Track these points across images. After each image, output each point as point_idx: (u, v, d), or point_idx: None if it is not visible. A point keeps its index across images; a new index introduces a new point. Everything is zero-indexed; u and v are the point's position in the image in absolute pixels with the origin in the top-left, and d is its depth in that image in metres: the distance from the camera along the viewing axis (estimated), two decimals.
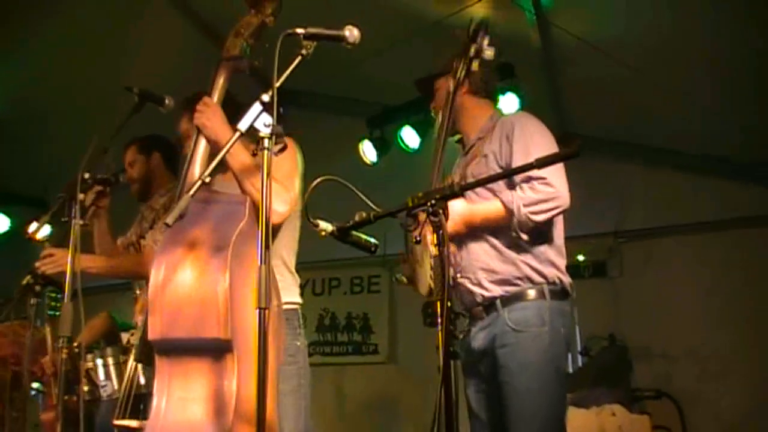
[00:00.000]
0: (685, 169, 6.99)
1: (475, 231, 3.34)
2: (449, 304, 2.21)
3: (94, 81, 6.49)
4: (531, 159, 2.81)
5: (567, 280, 3.40)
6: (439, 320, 2.18)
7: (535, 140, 3.32)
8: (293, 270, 3.43)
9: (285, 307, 3.17)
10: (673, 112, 6.34)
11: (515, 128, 3.35)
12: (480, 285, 3.36)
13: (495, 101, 3.72)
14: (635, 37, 5.59)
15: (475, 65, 3.28)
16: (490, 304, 3.35)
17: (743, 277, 6.53)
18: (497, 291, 3.33)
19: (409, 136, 6.79)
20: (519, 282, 3.31)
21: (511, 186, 3.29)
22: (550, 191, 3.17)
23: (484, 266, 3.36)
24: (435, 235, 2.22)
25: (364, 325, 7.79)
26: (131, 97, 3.45)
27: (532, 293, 3.30)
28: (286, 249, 3.39)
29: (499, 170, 3.30)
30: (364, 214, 2.47)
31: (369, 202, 2.47)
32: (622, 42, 5.65)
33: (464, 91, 3.52)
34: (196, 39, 6.49)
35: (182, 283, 2.56)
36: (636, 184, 7.11)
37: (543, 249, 3.34)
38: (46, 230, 7.66)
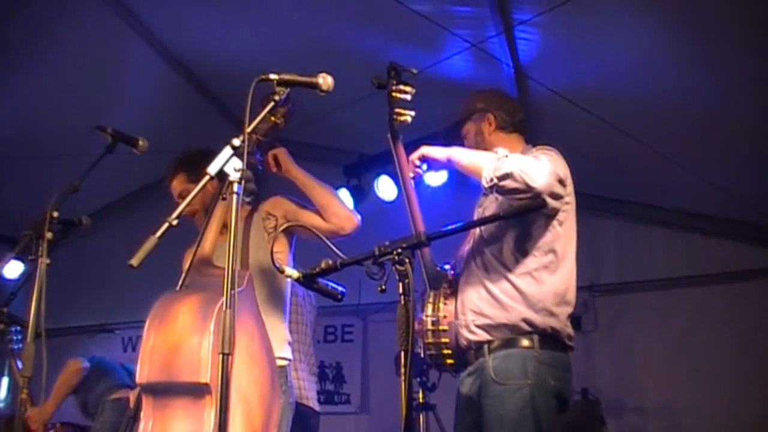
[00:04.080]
0: (660, 223, 7.05)
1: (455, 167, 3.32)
2: (415, 355, 2.21)
3: (68, 122, 6.49)
4: None
5: (566, 331, 3.30)
6: (402, 370, 2.16)
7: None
8: (285, 326, 3.47)
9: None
10: (648, 167, 6.38)
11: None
12: (468, 328, 3.29)
13: (524, 133, 3.63)
14: (611, 92, 5.64)
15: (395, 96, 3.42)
16: (478, 349, 3.28)
17: (716, 331, 6.56)
18: (484, 336, 3.25)
19: (386, 186, 6.80)
20: (506, 330, 3.22)
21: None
22: (537, 163, 3.12)
23: (475, 309, 3.29)
24: (400, 284, 2.20)
25: (337, 374, 7.73)
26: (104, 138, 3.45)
27: (520, 341, 3.21)
28: (281, 303, 3.44)
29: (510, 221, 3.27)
30: (330, 262, 2.46)
31: (336, 250, 2.46)
32: (598, 96, 5.70)
33: (492, 129, 3.54)
34: (179, 87, 6.55)
35: (168, 332, 2.64)
36: (610, 238, 7.15)
37: (540, 297, 3.22)
38: (18, 268, 7.64)
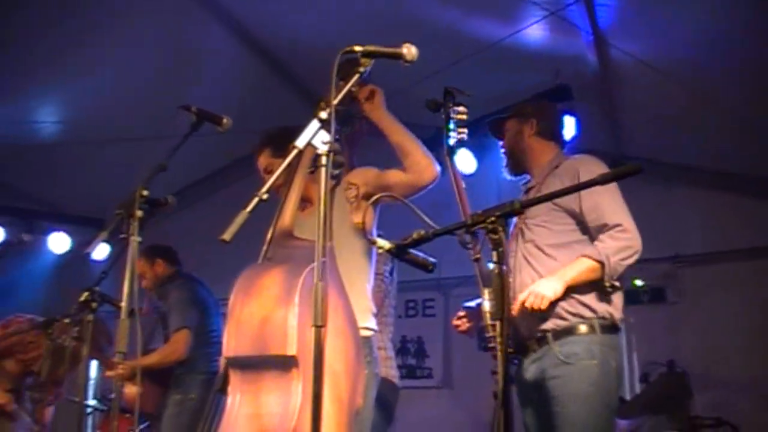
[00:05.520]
0: (746, 192, 6.86)
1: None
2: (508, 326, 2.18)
3: (150, 106, 6.61)
4: (595, 205, 3.35)
5: (618, 315, 3.46)
6: (498, 340, 2.13)
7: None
8: (369, 296, 3.48)
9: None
10: (733, 135, 6.23)
11: (580, 173, 3.45)
12: (532, 318, 3.40)
13: (561, 144, 3.86)
14: (693, 58, 5.52)
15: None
16: (541, 337, 3.44)
17: None
18: (548, 325, 3.41)
19: (464, 160, 6.75)
20: (570, 317, 3.38)
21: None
22: (628, 237, 3.33)
23: None
24: (494, 253, 2.18)
25: (419, 348, 7.74)
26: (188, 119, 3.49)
27: (582, 328, 3.38)
28: (365, 275, 3.45)
29: (557, 211, 3.50)
30: (422, 232, 2.44)
31: (428, 220, 2.44)
32: (681, 63, 5.58)
33: (531, 133, 3.77)
34: (256, 67, 6.59)
35: (254, 305, 2.66)
36: (695, 208, 6.98)
37: (596, 284, 3.38)
38: (105, 249, 7.84)
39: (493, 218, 2.20)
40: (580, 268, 3.32)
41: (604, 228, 3.37)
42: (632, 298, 6.28)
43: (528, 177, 3.84)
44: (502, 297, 2.13)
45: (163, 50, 6.27)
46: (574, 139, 5.33)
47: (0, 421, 5.68)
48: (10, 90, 6.53)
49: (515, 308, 3.28)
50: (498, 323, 2.13)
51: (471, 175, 6.68)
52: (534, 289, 3.28)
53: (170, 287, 5.72)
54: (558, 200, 3.43)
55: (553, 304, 3.33)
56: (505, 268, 2.14)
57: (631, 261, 3.33)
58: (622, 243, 3.32)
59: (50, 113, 7.20)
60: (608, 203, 3.42)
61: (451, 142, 3.84)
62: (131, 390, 4.94)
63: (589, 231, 3.46)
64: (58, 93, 6.84)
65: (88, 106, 6.90)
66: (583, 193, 3.38)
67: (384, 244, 2.54)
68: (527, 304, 3.25)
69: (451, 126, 3.84)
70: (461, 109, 3.83)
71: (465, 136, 3.82)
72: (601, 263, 3.28)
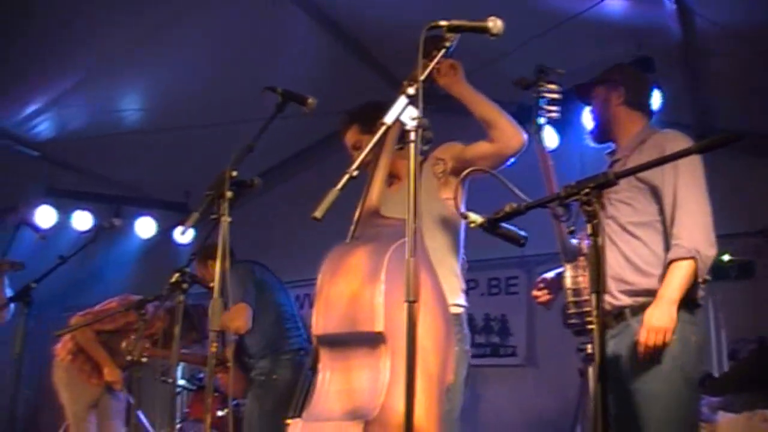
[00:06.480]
0: None
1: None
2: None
3: (232, 89, 6.68)
4: (681, 184, 3.28)
5: (700, 289, 3.36)
6: (594, 313, 2.11)
7: (685, 162, 3.32)
8: (458, 273, 3.47)
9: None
10: None
11: (666, 148, 3.34)
12: (610, 293, 3.39)
13: (648, 115, 3.77)
14: None
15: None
16: (619, 314, 3.40)
17: None
18: (627, 301, 3.38)
19: (548, 135, 6.67)
20: (648, 294, 3.31)
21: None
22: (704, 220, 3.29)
23: (616, 276, 3.40)
24: (589, 225, 2.15)
25: (502, 327, 7.70)
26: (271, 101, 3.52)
27: None
28: (454, 251, 3.45)
29: (643, 186, 3.43)
30: (514, 205, 2.43)
31: (519, 193, 2.43)
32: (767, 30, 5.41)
33: (619, 102, 3.68)
34: (334, 48, 6.61)
35: (342, 284, 2.71)
36: None
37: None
38: (189, 234, 7.99)
39: (587, 189, 2.17)
40: (680, 276, 3.23)
41: (676, 211, 3.31)
42: (719, 273, 6.12)
43: (612, 145, 3.77)
44: (598, 269, 2.10)
45: (242, 34, 6.32)
46: (658, 111, 5.22)
47: (105, 398, 5.88)
48: (92, 81, 6.67)
49: (641, 353, 3.23)
50: (593, 296, 2.10)
51: (553, 150, 6.60)
52: (650, 325, 3.20)
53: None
54: (643, 176, 3.35)
55: (634, 281, 3.33)
56: (600, 240, 2.11)
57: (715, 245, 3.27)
58: (702, 231, 3.27)
59: (133, 101, 7.35)
60: (686, 183, 3.35)
61: (542, 120, 3.83)
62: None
63: (665, 210, 3.39)
64: (139, 81, 6.98)
65: (169, 92, 7.02)
66: (666, 168, 3.32)
67: (476, 218, 2.54)
68: (651, 344, 3.18)
69: (542, 104, 3.81)
70: (553, 87, 3.80)
71: (556, 114, 3.81)
72: (695, 260, 3.21)
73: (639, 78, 3.89)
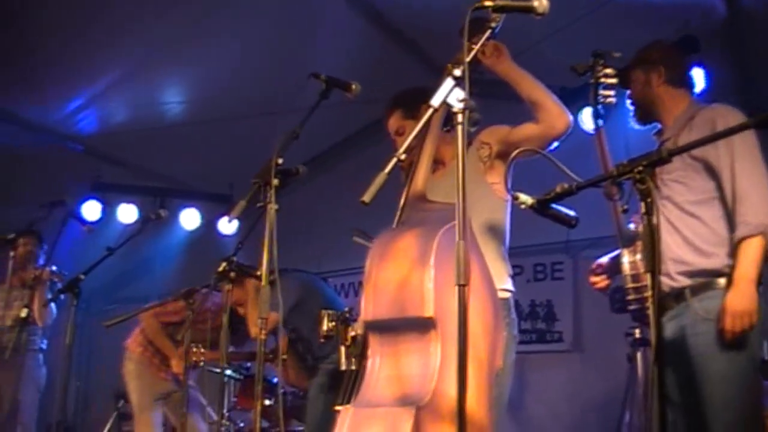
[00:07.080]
0: None
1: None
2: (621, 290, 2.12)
3: (273, 80, 6.69)
4: (738, 158, 3.19)
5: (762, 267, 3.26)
6: (650, 293, 2.07)
7: (740, 136, 3.21)
8: (505, 258, 3.45)
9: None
10: None
11: (717, 123, 3.29)
12: (669, 276, 3.33)
13: (690, 90, 3.69)
14: None
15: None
16: (678, 294, 3.33)
17: None
18: (686, 282, 3.31)
19: (589, 119, 6.59)
20: (707, 274, 3.27)
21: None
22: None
23: (675, 257, 3.34)
24: (643, 204, 2.11)
25: (548, 312, 7.64)
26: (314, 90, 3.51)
27: (721, 282, 3.24)
28: (501, 236, 3.43)
29: (696, 163, 3.34)
30: (565, 185, 2.40)
31: (570, 173, 2.39)
32: None
33: (660, 82, 3.60)
34: (375, 36, 6.58)
35: (390, 270, 2.68)
36: None
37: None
38: (233, 225, 8.04)
39: (640, 167, 2.13)
40: (753, 254, 3.16)
41: (736, 187, 3.23)
42: None
43: (657, 125, 3.70)
44: (653, 249, 2.06)
45: (282, 23, 6.32)
46: (703, 92, 5.13)
47: (179, 392, 5.88)
48: (135, 75, 6.73)
49: (728, 340, 3.16)
50: (649, 276, 2.07)
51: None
52: (734, 310, 3.12)
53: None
54: (696, 152, 3.29)
55: (693, 262, 3.28)
56: (655, 219, 2.07)
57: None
58: (763, 195, 3.19)
59: (175, 94, 7.41)
60: (742, 157, 3.27)
61: (599, 105, 3.78)
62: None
63: (723, 187, 3.31)
64: (181, 74, 7.02)
65: (212, 84, 7.04)
66: (720, 143, 3.24)
67: (526, 199, 2.51)
68: (739, 329, 3.11)
69: (600, 89, 3.76)
70: (609, 71, 3.74)
71: (613, 99, 3.73)
72: (762, 234, 3.14)
73: (676, 54, 3.80)
